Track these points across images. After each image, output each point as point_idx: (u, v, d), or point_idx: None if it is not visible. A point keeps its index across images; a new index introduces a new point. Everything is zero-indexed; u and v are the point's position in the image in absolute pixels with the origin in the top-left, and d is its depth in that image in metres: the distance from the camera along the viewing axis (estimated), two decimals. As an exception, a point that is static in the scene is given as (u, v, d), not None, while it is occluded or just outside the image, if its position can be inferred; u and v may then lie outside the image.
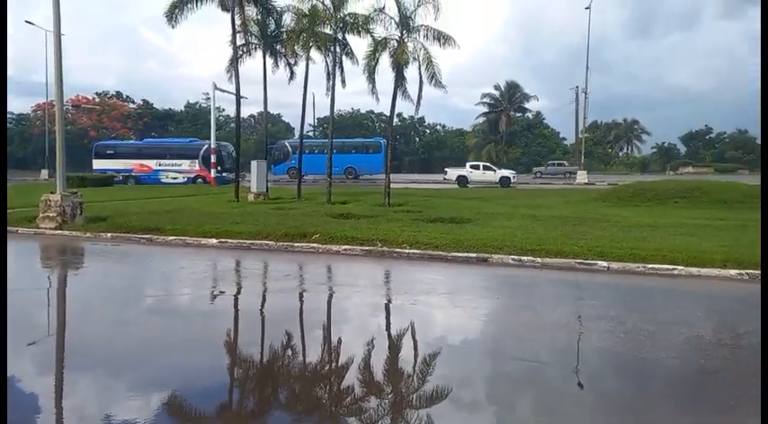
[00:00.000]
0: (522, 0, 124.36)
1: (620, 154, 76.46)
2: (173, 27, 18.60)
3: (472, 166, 36.13)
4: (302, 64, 19.53)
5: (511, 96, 60.84)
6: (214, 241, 10.68)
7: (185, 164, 34.68)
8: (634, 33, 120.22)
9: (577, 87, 43.80)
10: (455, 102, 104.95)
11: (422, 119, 72.37)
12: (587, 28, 39.09)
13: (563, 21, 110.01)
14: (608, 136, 75.56)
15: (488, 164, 37.64)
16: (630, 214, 14.79)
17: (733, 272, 7.76)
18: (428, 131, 75.25)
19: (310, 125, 63.20)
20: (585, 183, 35.40)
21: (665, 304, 6.65)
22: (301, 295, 7.06)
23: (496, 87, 61.11)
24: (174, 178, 34.32)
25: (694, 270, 7.86)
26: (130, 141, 46.75)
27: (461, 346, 5.17)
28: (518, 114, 64.52)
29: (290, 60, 20.37)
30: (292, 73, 20.73)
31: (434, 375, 4.32)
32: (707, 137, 71.40)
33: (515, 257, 8.79)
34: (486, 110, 62.14)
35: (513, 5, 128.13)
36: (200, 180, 34.49)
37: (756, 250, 8.66)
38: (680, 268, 7.94)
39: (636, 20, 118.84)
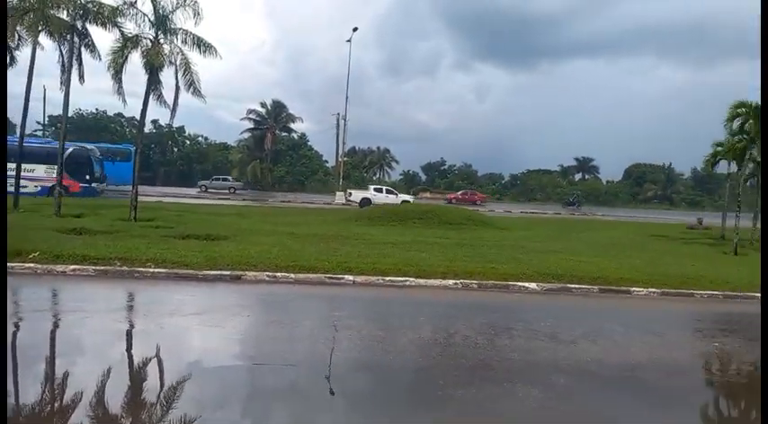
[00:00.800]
0: (291, 26, 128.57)
1: (374, 178, 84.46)
2: None
3: (376, 189, 38.50)
4: (28, 49, 16.41)
5: (277, 115, 61.80)
6: None
7: (41, 171, 25.19)
8: (388, 72, 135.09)
9: (338, 114, 46.99)
10: (220, 115, 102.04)
11: (182, 129, 67.92)
12: (348, 60, 42.69)
13: (328, 50, 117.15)
14: (364, 161, 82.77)
15: (391, 188, 40.33)
16: (377, 232, 16.36)
17: (450, 282, 9.21)
18: (188, 142, 70.93)
19: (39, 123, 53.27)
20: (343, 204, 37.93)
21: (396, 312, 7.52)
22: (16, 326, 5.78)
23: (263, 105, 61.45)
24: (24, 186, 23.60)
25: (422, 281, 9.08)
26: None
27: (208, 365, 4.97)
28: (284, 133, 65.77)
29: (11, 43, 16.90)
30: (12, 58, 17.20)
31: (181, 400, 4.08)
32: (441, 168, 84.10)
33: (270, 274, 8.85)
34: (251, 126, 61.79)
35: (282, 29, 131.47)
36: (60, 190, 26.08)
37: (466, 263, 10.50)
38: (411, 279, 9.09)
39: (389, 61, 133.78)
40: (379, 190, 38.74)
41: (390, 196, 37.88)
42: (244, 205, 30.60)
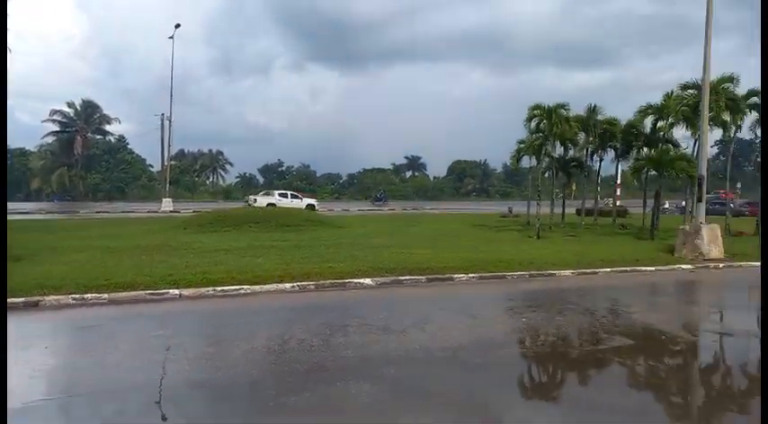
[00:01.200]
0: (104, 21, 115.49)
1: (207, 182, 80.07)
2: None
3: (281, 194, 38.76)
4: None
5: (88, 116, 55.10)
6: None
7: None
8: (219, 71, 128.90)
9: (163, 114, 43.42)
10: (18, 117, 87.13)
11: (-39, 133, 56.63)
12: (171, 58, 39.76)
13: (152, 47, 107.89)
14: (195, 165, 77.84)
15: (295, 193, 40.96)
16: (209, 240, 15.44)
17: (287, 285, 9.04)
18: (-28, 148, 59.39)
19: None
20: (171, 211, 35.13)
21: (229, 323, 7.12)
22: None
23: (70, 105, 54.27)
24: None
25: (257, 288, 8.77)
26: None
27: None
28: (98, 136, 58.82)
29: None
30: None
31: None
32: (279, 170, 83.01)
33: (77, 296, 7.75)
34: (57, 128, 54.06)
35: (97, 22, 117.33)
36: None
37: (303, 265, 10.43)
38: (246, 287, 8.72)
39: (221, 60, 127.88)
40: (284, 195, 38.50)
41: (295, 200, 37.55)
42: (48, 218, 26.59)
